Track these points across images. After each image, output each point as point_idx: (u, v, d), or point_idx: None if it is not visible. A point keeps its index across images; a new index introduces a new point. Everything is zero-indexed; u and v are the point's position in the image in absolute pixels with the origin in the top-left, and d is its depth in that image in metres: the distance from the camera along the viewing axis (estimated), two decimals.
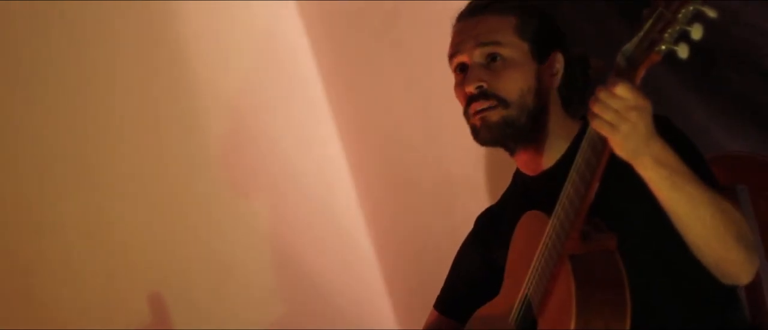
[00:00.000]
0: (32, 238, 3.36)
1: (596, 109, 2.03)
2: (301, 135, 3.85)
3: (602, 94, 2.02)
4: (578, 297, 2.11)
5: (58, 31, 3.44)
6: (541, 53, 2.47)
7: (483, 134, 2.44)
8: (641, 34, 1.97)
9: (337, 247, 3.86)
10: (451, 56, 2.50)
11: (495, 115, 2.42)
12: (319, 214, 3.83)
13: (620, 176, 2.17)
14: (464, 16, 2.52)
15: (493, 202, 2.70)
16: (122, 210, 3.49)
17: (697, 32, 1.91)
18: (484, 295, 2.53)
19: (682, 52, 1.92)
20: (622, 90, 2.00)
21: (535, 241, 2.28)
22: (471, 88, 2.43)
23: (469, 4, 2.53)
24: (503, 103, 2.42)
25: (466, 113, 2.46)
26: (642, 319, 2.16)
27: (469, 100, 2.44)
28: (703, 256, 2.18)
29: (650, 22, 1.95)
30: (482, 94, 2.42)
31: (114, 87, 3.51)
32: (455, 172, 3.68)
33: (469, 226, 2.72)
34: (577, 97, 2.51)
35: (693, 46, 1.91)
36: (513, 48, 2.45)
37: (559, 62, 2.48)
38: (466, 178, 3.64)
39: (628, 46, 2.00)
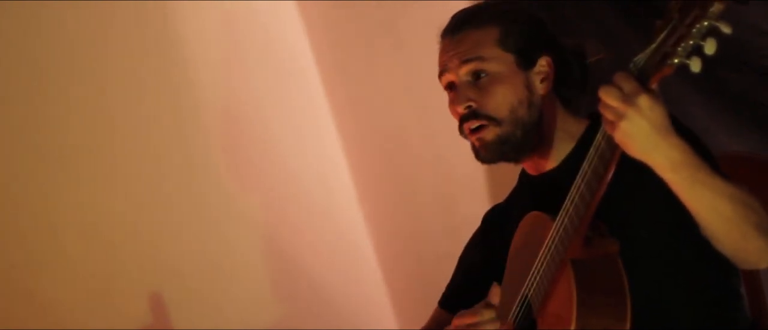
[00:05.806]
0: (32, 238, 3.35)
1: (600, 108, 2.00)
2: (300, 135, 3.85)
3: (600, 92, 1.99)
4: (579, 301, 2.12)
5: (57, 31, 3.44)
6: (528, 61, 2.42)
7: (482, 155, 2.42)
8: (654, 46, 1.93)
9: (336, 247, 3.86)
10: (440, 75, 2.46)
11: (489, 134, 2.39)
12: (318, 214, 3.84)
13: (625, 181, 2.16)
14: (447, 33, 2.46)
15: (493, 202, 2.70)
16: (122, 210, 3.49)
17: (710, 47, 1.87)
18: (484, 292, 2.52)
19: (695, 66, 1.88)
20: (621, 79, 1.97)
21: (535, 243, 2.28)
22: (461, 109, 2.40)
23: (452, 18, 2.48)
24: (494, 121, 2.38)
25: (461, 132, 2.44)
26: (644, 320, 2.16)
27: (461, 120, 2.42)
28: (723, 246, 2.15)
29: (663, 34, 1.92)
30: (472, 114, 2.39)
31: (114, 87, 3.51)
32: (455, 172, 3.69)
33: (469, 226, 2.71)
34: (576, 92, 2.47)
35: (705, 59, 1.88)
36: (497, 62, 2.40)
37: (548, 66, 2.43)
38: (466, 178, 3.65)
39: (640, 57, 1.96)
